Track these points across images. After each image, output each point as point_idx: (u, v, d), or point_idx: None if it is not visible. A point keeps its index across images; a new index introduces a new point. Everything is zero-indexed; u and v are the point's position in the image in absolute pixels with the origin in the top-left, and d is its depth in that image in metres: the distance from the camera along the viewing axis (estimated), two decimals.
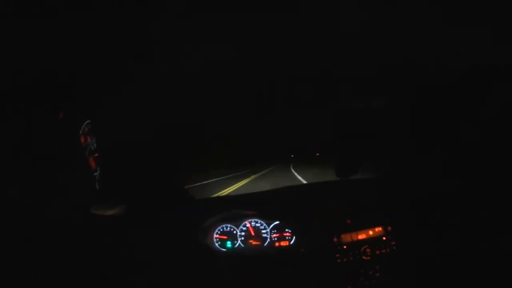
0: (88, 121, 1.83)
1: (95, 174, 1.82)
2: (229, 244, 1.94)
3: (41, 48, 1.54)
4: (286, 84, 2.48)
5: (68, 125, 1.70)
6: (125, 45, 1.77)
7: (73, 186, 1.66)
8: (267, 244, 1.90)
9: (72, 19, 1.55)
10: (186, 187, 2.23)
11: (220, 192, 4.61)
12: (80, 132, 1.79)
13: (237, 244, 1.93)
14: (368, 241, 1.74)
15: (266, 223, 1.92)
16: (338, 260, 1.68)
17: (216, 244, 1.95)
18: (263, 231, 1.92)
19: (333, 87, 2.59)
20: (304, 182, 4.53)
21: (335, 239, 1.73)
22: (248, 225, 1.94)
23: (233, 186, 5.43)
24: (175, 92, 2.22)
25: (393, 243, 1.74)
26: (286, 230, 1.89)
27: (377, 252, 1.71)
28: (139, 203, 1.90)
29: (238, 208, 1.98)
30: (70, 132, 1.73)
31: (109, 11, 1.45)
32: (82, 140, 1.82)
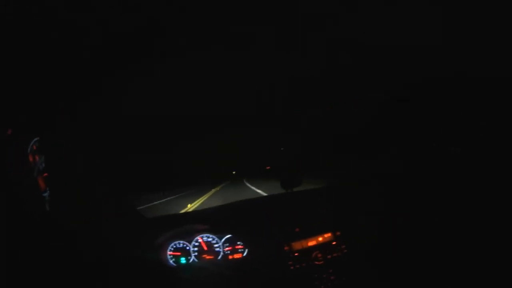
0: (36, 138, 1.79)
1: (45, 195, 1.78)
2: (183, 260, 1.97)
3: None
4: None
5: (16, 142, 1.67)
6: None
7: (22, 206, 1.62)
8: (221, 257, 1.95)
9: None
10: (140, 207, 2.22)
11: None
12: (29, 150, 1.75)
13: (191, 260, 1.96)
14: (319, 247, 1.86)
15: (217, 237, 1.97)
16: (291, 267, 1.78)
17: (171, 261, 1.97)
18: (216, 245, 1.97)
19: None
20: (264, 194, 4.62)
21: (286, 248, 1.83)
22: (200, 240, 1.98)
23: (194, 203, 5.39)
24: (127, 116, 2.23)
25: (343, 246, 1.87)
26: (238, 242, 1.95)
27: (329, 256, 1.83)
28: (89, 225, 1.87)
29: (188, 223, 2.02)
30: (18, 150, 1.69)
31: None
32: (31, 159, 1.77)
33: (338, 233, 1.92)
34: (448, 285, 1.76)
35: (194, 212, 2.24)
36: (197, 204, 5.39)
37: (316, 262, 1.81)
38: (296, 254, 1.82)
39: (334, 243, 1.89)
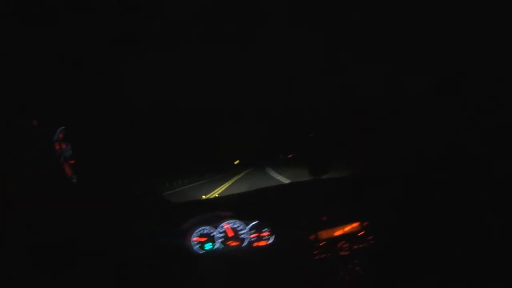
0: (62, 127, 1.82)
1: (72, 181, 1.81)
2: (208, 246, 1.97)
3: (15, 54, 1.55)
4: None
5: (42, 132, 1.70)
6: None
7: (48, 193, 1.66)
8: (246, 244, 1.93)
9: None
10: (166, 192, 2.24)
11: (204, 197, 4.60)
12: (55, 138, 1.78)
13: (216, 246, 1.96)
14: (345, 237, 1.79)
15: (244, 224, 1.95)
16: (316, 257, 1.73)
17: (195, 247, 1.97)
18: (241, 232, 1.95)
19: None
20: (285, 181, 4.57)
21: (312, 236, 1.78)
22: (226, 226, 1.97)
23: (217, 190, 5.42)
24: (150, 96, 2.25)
25: (370, 237, 1.80)
26: (264, 229, 1.92)
27: (355, 247, 1.77)
28: (116, 209, 1.89)
29: (214, 210, 2.01)
30: (45, 140, 1.72)
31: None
32: (57, 147, 1.81)
33: (366, 223, 1.84)
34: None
35: (220, 198, 2.24)
36: (221, 190, 5.40)
37: (342, 253, 1.77)
38: (322, 243, 1.77)
39: (361, 233, 1.83)
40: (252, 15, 1.90)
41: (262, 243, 1.92)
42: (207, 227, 1.97)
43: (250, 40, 2.15)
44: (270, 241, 1.90)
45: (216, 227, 1.97)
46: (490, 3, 1.74)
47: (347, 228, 1.82)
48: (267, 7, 1.86)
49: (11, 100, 1.58)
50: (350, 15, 1.95)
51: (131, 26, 1.86)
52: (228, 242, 1.95)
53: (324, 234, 1.80)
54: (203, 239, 1.97)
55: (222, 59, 2.34)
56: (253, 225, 1.94)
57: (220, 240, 1.96)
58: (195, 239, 1.97)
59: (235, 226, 1.96)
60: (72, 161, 1.82)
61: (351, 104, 3.00)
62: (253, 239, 1.93)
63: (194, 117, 2.86)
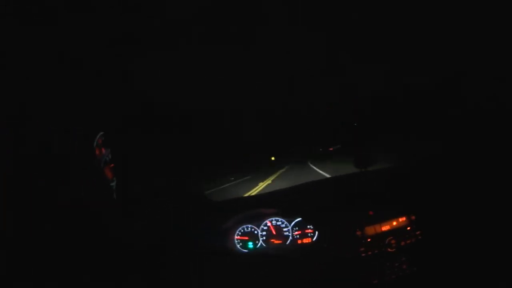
0: (101, 133, 1.76)
1: (112, 184, 1.76)
2: (250, 244, 1.95)
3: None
4: None
5: (83, 138, 1.65)
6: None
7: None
8: (289, 242, 1.92)
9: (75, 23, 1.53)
10: (206, 192, 2.22)
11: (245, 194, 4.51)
12: (95, 144, 1.73)
13: (258, 245, 1.95)
14: (393, 232, 1.71)
15: (287, 221, 1.94)
16: (363, 254, 1.67)
17: (238, 246, 1.96)
18: (285, 229, 1.94)
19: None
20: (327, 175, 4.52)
21: (358, 232, 1.71)
22: (269, 224, 1.95)
23: (258, 187, 5.31)
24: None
25: (418, 233, 1.72)
26: (308, 226, 1.91)
27: (402, 243, 1.69)
28: (157, 211, 1.85)
29: (257, 207, 1.99)
30: (85, 145, 1.67)
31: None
32: (97, 152, 1.76)
33: (413, 217, 1.77)
34: None
35: (263, 195, 2.20)
36: (263, 187, 5.31)
37: (389, 249, 1.67)
38: (368, 239, 1.70)
39: (408, 228, 1.73)
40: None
41: (306, 240, 1.90)
42: (250, 225, 1.96)
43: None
44: (315, 238, 1.89)
45: (258, 225, 1.95)
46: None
47: (395, 223, 1.74)
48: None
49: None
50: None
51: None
52: (271, 240, 1.94)
53: (371, 230, 1.71)
54: (245, 238, 1.96)
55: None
56: (297, 222, 1.93)
57: (262, 239, 1.94)
58: (237, 237, 1.96)
59: (278, 223, 1.95)
60: (112, 165, 1.78)
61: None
62: (296, 236, 1.92)
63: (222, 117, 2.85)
